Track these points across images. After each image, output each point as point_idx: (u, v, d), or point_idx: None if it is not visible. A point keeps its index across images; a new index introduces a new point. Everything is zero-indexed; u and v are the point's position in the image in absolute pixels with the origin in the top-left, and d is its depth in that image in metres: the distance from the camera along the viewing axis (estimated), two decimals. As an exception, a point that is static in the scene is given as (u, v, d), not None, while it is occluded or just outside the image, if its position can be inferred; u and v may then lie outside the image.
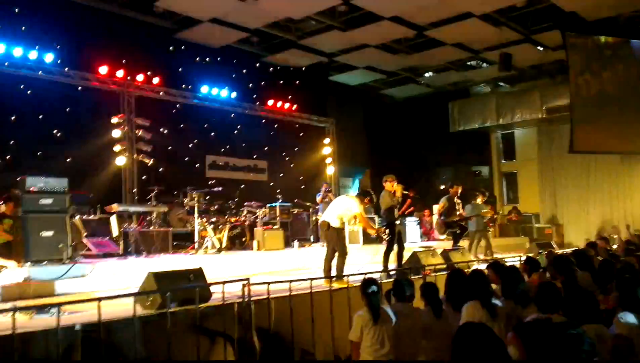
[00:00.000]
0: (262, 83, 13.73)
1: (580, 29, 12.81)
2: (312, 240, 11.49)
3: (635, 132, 13.25)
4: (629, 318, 3.17)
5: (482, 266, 5.41)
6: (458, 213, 9.28)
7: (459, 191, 9.20)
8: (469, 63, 15.21)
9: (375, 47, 13.42)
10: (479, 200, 9.76)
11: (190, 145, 11.94)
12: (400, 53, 13.94)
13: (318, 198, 11.19)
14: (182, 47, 12.00)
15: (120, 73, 10.64)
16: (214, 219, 9.23)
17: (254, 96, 13.53)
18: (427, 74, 16.02)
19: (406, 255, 7.52)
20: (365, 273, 5.23)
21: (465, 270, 5.07)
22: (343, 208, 6.64)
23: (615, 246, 10.01)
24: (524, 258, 6.13)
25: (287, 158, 14.08)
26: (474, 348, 2.00)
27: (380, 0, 10.70)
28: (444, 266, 7.01)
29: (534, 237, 13.88)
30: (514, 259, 7.05)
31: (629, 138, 13.33)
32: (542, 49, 13.67)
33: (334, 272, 6.33)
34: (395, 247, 7.24)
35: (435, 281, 5.25)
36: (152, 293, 4.53)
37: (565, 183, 15.61)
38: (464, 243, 9.50)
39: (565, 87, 13.35)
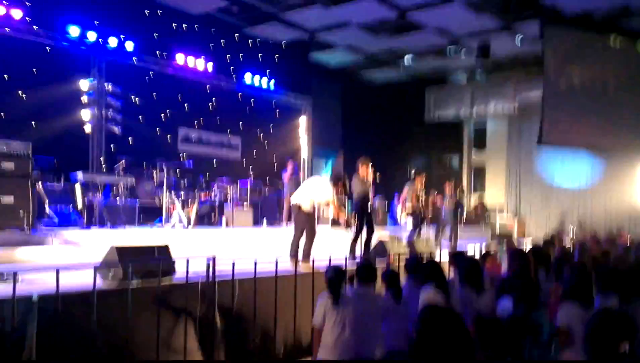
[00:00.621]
0: (240, 55, 13.44)
1: (559, 22, 12.97)
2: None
3: (602, 129, 13.64)
4: (571, 308, 3.36)
5: (444, 255, 5.55)
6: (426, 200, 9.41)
7: (424, 179, 9.23)
8: (448, 50, 15.22)
9: (357, 26, 13.29)
10: (454, 191, 10.00)
11: (162, 116, 11.63)
12: (381, 34, 13.85)
13: (284, 175, 10.84)
14: (159, 11, 11.56)
15: (92, 35, 10.23)
16: (183, 194, 9.08)
17: (232, 69, 13.24)
18: (406, 59, 15.97)
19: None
20: (331, 257, 5.27)
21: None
22: (316, 192, 6.63)
23: (570, 242, 10.43)
24: (484, 247, 6.33)
25: (261, 136, 13.92)
26: (437, 329, 2.05)
27: (364, -22, 10.55)
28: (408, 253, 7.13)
29: (496, 228, 14.26)
30: (474, 248, 7.23)
31: (596, 135, 13.71)
32: (520, 38, 13.72)
33: (300, 254, 6.37)
34: (365, 233, 7.28)
35: (399, 268, 5.37)
36: (113, 266, 4.46)
37: (531, 177, 15.99)
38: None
39: (539, 80, 13.54)
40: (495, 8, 12.18)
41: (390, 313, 4.18)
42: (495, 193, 16.69)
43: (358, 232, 7.18)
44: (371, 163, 7.37)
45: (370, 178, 7.41)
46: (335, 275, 4.06)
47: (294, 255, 6.29)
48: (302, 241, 6.45)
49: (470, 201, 16.68)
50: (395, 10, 12.25)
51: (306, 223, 6.50)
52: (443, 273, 4.21)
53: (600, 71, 13.65)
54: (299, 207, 6.53)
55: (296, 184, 10.07)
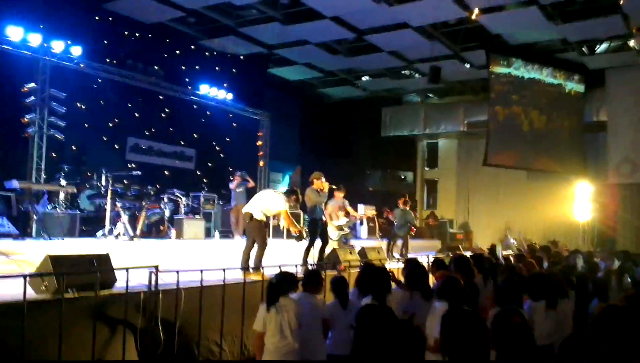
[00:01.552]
0: (197, 67, 13.24)
1: (503, 51, 13.73)
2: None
3: (540, 151, 14.56)
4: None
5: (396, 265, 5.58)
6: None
7: (343, 194, 9.26)
8: (402, 72, 15.69)
9: (316, 44, 13.45)
10: (406, 206, 10.24)
11: (110, 124, 11.21)
12: (339, 54, 14.09)
13: (231, 186, 10.66)
14: (110, 18, 11.27)
15: (35, 39, 9.76)
16: (129, 205, 8.71)
17: (187, 80, 13.01)
18: (363, 78, 16.32)
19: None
20: (281, 266, 5.17)
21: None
22: (268, 203, 6.59)
23: (511, 252, 10.90)
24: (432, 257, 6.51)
25: (217, 148, 13.69)
26: (372, 326, 2.11)
27: (323, -2, 10.71)
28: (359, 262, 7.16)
29: (447, 241, 14.67)
30: (425, 259, 7.35)
31: (534, 157, 14.61)
32: (468, 66, 14.42)
33: (252, 264, 6.24)
34: (319, 243, 7.37)
35: (349, 277, 5.35)
36: (46, 276, 4.18)
37: (478, 193, 16.72)
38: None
39: (486, 105, 14.26)
40: (446, 36, 12.69)
41: (336, 319, 4.17)
42: (446, 207, 17.28)
43: (311, 241, 7.27)
44: (323, 177, 7.57)
45: (326, 189, 7.55)
46: (276, 280, 4.02)
47: (244, 264, 6.17)
48: (254, 251, 6.35)
49: (423, 215, 17.12)
50: (352, 32, 12.50)
51: (258, 232, 6.41)
52: (389, 282, 4.23)
53: (538, 99, 14.57)
54: (251, 216, 6.44)
55: (246, 195, 10.05)
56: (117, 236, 7.90)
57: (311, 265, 6.97)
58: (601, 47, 13.39)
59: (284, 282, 4.02)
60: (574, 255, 8.07)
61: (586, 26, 11.71)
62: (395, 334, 2.09)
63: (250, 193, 10.37)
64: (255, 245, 6.36)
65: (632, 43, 12.67)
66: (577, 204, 14.99)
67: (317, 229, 7.28)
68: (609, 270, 6.58)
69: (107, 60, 11.23)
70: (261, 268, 5.96)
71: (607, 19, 11.26)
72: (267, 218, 6.75)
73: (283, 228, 6.82)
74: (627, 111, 14.11)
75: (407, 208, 10.40)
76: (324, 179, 7.52)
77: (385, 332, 2.07)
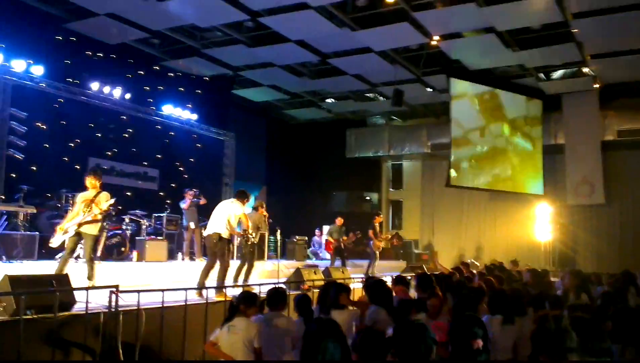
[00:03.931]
0: (160, 88, 13.20)
1: (463, 76, 14.31)
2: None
3: (500, 173, 15.10)
4: None
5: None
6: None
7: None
8: (367, 95, 16.08)
9: (281, 67, 13.68)
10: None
11: (71, 145, 11.01)
12: (304, 76, 14.35)
13: (183, 205, 10.51)
14: (73, 38, 11.16)
15: (-4, 57, 9.60)
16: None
17: (150, 100, 12.93)
18: (328, 100, 16.63)
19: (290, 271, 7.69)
20: (244, 286, 5.21)
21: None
22: (228, 213, 6.62)
23: (475, 271, 11.17)
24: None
25: (181, 168, 13.59)
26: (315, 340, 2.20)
27: (287, 22, 10.97)
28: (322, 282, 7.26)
29: (412, 261, 14.89)
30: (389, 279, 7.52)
31: (495, 178, 15.12)
32: (430, 90, 14.94)
33: (211, 284, 6.24)
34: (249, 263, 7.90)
35: (313, 296, 5.43)
36: (4, 295, 4.11)
37: (443, 213, 17.05)
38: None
39: (448, 127, 14.71)
40: (408, 61, 13.16)
41: (301, 337, 4.21)
42: (411, 228, 17.52)
43: (247, 262, 7.76)
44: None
45: (265, 215, 8.63)
46: (236, 299, 4.09)
47: (201, 284, 6.16)
48: (214, 272, 6.37)
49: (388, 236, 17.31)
50: (316, 55, 12.80)
51: (223, 251, 6.43)
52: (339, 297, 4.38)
53: (495, 122, 15.18)
54: (219, 236, 6.45)
55: (197, 214, 10.13)
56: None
57: (278, 284, 7.01)
58: (557, 73, 14.06)
59: (242, 301, 4.08)
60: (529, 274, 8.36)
61: (542, 53, 12.29)
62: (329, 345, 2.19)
63: (200, 211, 10.40)
64: (217, 265, 6.37)
65: (586, 70, 13.39)
66: (537, 224, 15.34)
67: (254, 250, 7.90)
68: (567, 289, 6.77)
69: (69, 80, 11.10)
70: (223, 289, 5.97)
71: (562, 47, 11.88)
72: (232, 236, 6.80)
73: (245, 232, 6.89)
74: (583, 134, 14.71)
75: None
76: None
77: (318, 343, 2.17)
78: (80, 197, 6.25)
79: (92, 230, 6.12)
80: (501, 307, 4.20)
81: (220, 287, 6.14)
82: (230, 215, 6.61)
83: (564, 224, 15.11)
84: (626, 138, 14.60)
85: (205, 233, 6.85)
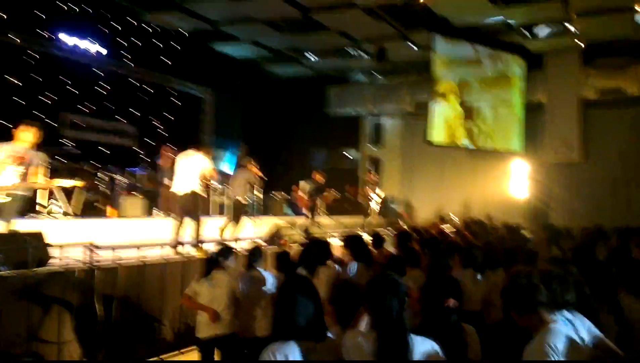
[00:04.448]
0: (138, 42, 12.75)
1: (448, 33, 14.09)
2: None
3: (479, 131, 15.16)
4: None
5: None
6: None
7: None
8: (349, 51, 15.76)
9: (262, 22, 13.25)
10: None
11: (45, 100, 10.66)
12: (285, 32, 13.95)
13: (159, 162, 9.90)
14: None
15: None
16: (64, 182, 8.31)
17: (127, 55, 12.51)
18: (310, 57, 16.27)
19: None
20: (222, 241, 5.23)
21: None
22: (200, 167, 6.50)
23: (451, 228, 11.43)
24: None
25: (158, 125, 13.34)
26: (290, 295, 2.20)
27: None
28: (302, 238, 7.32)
29: (390, 217, 15.05)
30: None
31: (475, 136, 15.20)
32: (414, 47, 14.70)
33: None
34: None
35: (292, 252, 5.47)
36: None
37: (423, 171, 17.18)
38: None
39: (430, 85, 14.60)
40: (392, 17, 12.84)
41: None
42: (390, 185, 17.61)
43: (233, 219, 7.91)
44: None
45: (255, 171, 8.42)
46: (214, 254, 4.10)
47: (175, 242, 6.13)
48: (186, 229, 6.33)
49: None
50: (298, 9, 12.40)
51: (197, 206, 6.38)
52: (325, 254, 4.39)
53: (478, 79, 15.10)
54: (194, 192, 6.36)
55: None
56: (49, 212, 7.58)
57: (256, 239, 7.06)
58: (541, 31, 13.96)
59: (221, 255, 4.09)
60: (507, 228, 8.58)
61: (527, 10, 12.15)
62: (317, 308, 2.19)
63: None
64: (189, 222, 6.31)
65: (570, 27, 13.29)
66: (515, 181, 15.63)
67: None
68: (537, 242, 6.94)
69: (39, 32, 10.61)
70: (200, 244, 5.98)
71: (546, 4, 11.74)
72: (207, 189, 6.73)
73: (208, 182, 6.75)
74: (565, 92, 14.81)
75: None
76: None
77: (307, 305, 2.16)
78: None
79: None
80: (473, 261, 4.30)
81: (198, 243, 6.14)
82: (201, 170, 6.50)
83: (541, 182, 15.40)
84: (607, 97, 14.75)
85: (176, 190, 6.59)
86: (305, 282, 2.30)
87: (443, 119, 14.78)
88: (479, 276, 4.28)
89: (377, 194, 13.55)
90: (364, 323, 2.30)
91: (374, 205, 12.94)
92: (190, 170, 6.52)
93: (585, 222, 10.77)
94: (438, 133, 14.71)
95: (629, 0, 11.49)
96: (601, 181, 14.93)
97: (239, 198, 8.13)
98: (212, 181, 6.55)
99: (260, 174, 8.74)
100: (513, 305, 2.38)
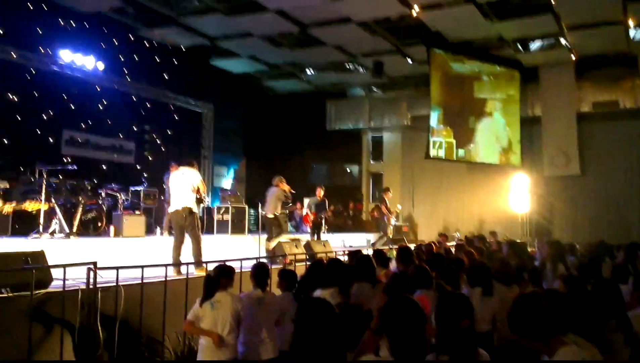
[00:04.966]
0: (136, 58, 12.78)
1: (443, 47, 14.22)
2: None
3: (478, 144, 15.19)
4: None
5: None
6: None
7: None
8: (347, 66, 15.88)
9: (260, 37, 13.35)
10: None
11: (44, 117, 10.66)
12: (283, 47, 14.06)
13: (167, 180, 9.87)
14: (43, 6, 10.66)
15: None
16: (64, 200, 8.29)
17: (125, 71, 12.55)
18: (308, 71, 16.38)
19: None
20: (225, 260, 5.17)
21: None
22: (192, 183, 6.48)
23: (453, 243, 11.36)
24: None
25: (158, 141, 13.33)
26: (314, 319, 2.15)
27: (266, -9, 10.66)
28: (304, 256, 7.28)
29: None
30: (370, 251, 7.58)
31: (474, 150, 15.23)
32: (410, 61, 14.81)
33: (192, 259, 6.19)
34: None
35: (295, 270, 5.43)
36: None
37: (423, 185, 17.14)
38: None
39: (428, 99, 14.68)
40: (388, 32, 12.97)
41: (287, 313, 4.09)
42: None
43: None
44: None
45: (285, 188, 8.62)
46: (214, 274, 4.03)
47: (176, 261, 6.09)
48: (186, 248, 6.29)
49: (369, 208, 17.39)
50: (296, 25, 12.51)
51: (195, 225, 6.35)
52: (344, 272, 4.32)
53: (472, 93, 15.18)
54: (190, 210, 6.35)
55: None
56: (52, 234, 7.55)
57: (261, 258, 7.00)
58: (535, 45, 14.10)
59: (221, 275, 4.02)
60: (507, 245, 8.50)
61: (520, 24, 12.28)
62: (336, 330, 2.13)
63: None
64: (190, 241, 6.28)
65: (563, 41, 13.43)
66: (515, 196, 15.43)
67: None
68: (544, 259, 6.85)
69: (41, 49, 10.66)
70: (204, 264, 5.93)
71: (539, 18, 11.87)
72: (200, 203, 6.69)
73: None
74: (560, 105, 14.88)
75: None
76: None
77: (327, 329, 2.10)
78: None
79: None
80: (481, 279, 4.25)
81: (200, 262, 6.09)
82: (193, 186, 6.48)
83: (540, 195, 15.35)
84: (601, 109, 14.83)
85: (170, 209, 6.60)
86: (325, 305, 2.25)
87: (442, 134, 14.80)
88: (486, 295, 4.24)
89: (396, 211, 13.39)
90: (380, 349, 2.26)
91: (394, 221, 12.94)
92: (182, 186, 6.51)
93: (587, 236, 10.75)
94: (437, 148, 14.71)
95: (620, 14, 11.64)
96: (599, 193, 14.94)
97: (269, 215, 8.59)
98: (202, 195, 6.50)
99: (290, 190, 9.00)
100: (522, 331, 2.34)
